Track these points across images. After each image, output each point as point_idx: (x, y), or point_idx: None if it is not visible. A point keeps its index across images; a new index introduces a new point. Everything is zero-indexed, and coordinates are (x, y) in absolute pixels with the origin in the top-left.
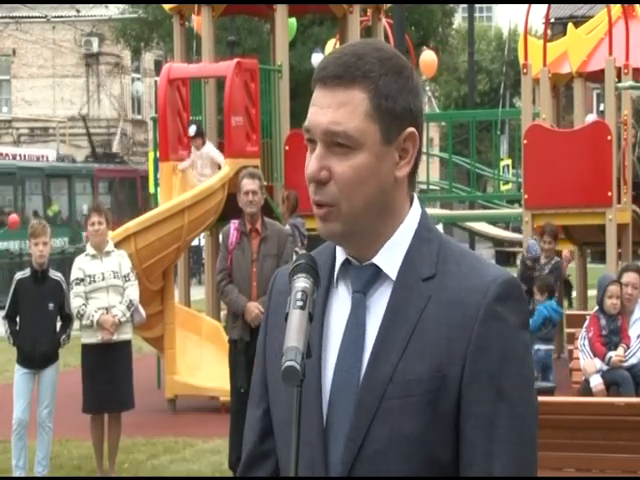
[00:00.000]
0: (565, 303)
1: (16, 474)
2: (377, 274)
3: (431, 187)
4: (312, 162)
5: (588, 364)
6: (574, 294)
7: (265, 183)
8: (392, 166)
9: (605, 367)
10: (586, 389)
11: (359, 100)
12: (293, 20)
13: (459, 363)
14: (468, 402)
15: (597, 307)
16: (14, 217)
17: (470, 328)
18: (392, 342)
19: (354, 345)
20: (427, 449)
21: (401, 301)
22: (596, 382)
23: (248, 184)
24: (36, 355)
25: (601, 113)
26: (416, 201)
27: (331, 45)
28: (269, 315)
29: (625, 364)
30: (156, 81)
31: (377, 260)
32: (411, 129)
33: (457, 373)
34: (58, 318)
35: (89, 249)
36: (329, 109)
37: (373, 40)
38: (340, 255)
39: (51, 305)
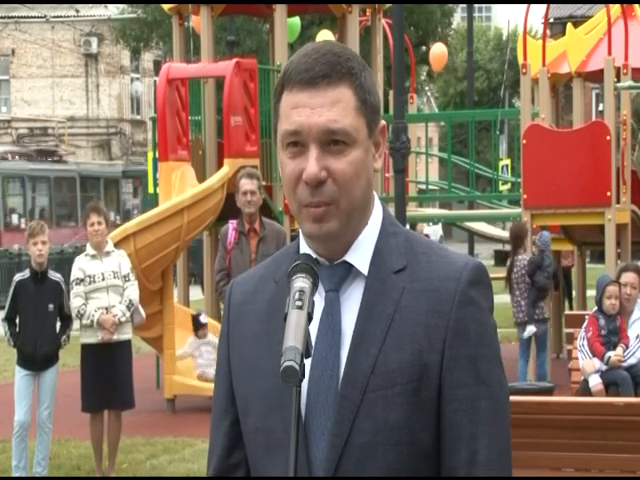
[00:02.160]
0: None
1: (17, 475)
2: (349, 271)
3: (430, 187)
4: (312, 163)
5: (587, 364)
6: (573, 294)
7: (264, 183)
8: (372, 159)
9: (604, 367)
10: (585, 389)
11: (349, 96)
12: (297, 20)
13: (438, 349)
14: (450, 386)
15: (596, 307)
16: None
17: (447, 314)
18: (370, 335)
19: (330, 342)
20: (412, 436)
21: (375, 295)
22: (595, 382)
23: (246, 184)
24: (37, 356)
25: (600, 113)
26: (376, 197)
27: (321, 36)
28: (230, 327)
29: (624, 364)
30: (155, 81)
31: (349, 258)
32: (383, 122)
33: (437, 359)
34: (58, 319)
35: (89, 249)
36: (322, 108)
37: (331, 41)
38: None
39: (51, 306)
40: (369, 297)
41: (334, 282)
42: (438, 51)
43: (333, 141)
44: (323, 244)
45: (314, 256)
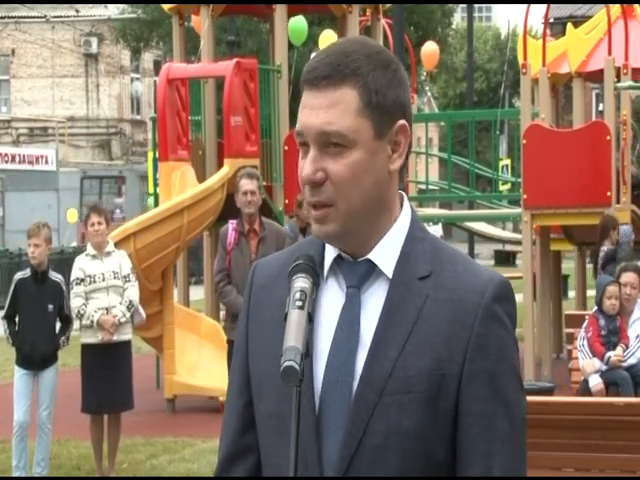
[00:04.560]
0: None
1: (17, 475)
2: (371, 270)
3: (430, 187)
4: (307, 164)
5: (587, 364)
6: (572, 294)
7: (264, 183)
8: (386, 160)
9: (604, 367)
10: (585, 389)
11: (350, 98)
12: (304, 23)
13: (458, 361)
14: (467, 400)
15: (596, 307)
16: None
17: (470, 326)
18: (391, 339)
19: (348, 340)
20: (424, 444)
21: (399, 299)
22: (595, 382)
23: (246, 184)
24: (34, 356)
25: (600, 113)
26: (406, 200)
27: (324, 36)
28: (250, 309)
29: (624, 364)
30: (155, 81)
31: (372, 256)
32: (402, 121)
33: (456, 371)
34: (58, 319)
35: (89, 249)
36: (320, 110)
37: (359, 37)
38: (331, 250)
39: (50, 306)
40: (392, 301)
41: (356, 279)
42: (429, 50)
43: (332, 143)
44: (332, 244)
45: (337, 251)
